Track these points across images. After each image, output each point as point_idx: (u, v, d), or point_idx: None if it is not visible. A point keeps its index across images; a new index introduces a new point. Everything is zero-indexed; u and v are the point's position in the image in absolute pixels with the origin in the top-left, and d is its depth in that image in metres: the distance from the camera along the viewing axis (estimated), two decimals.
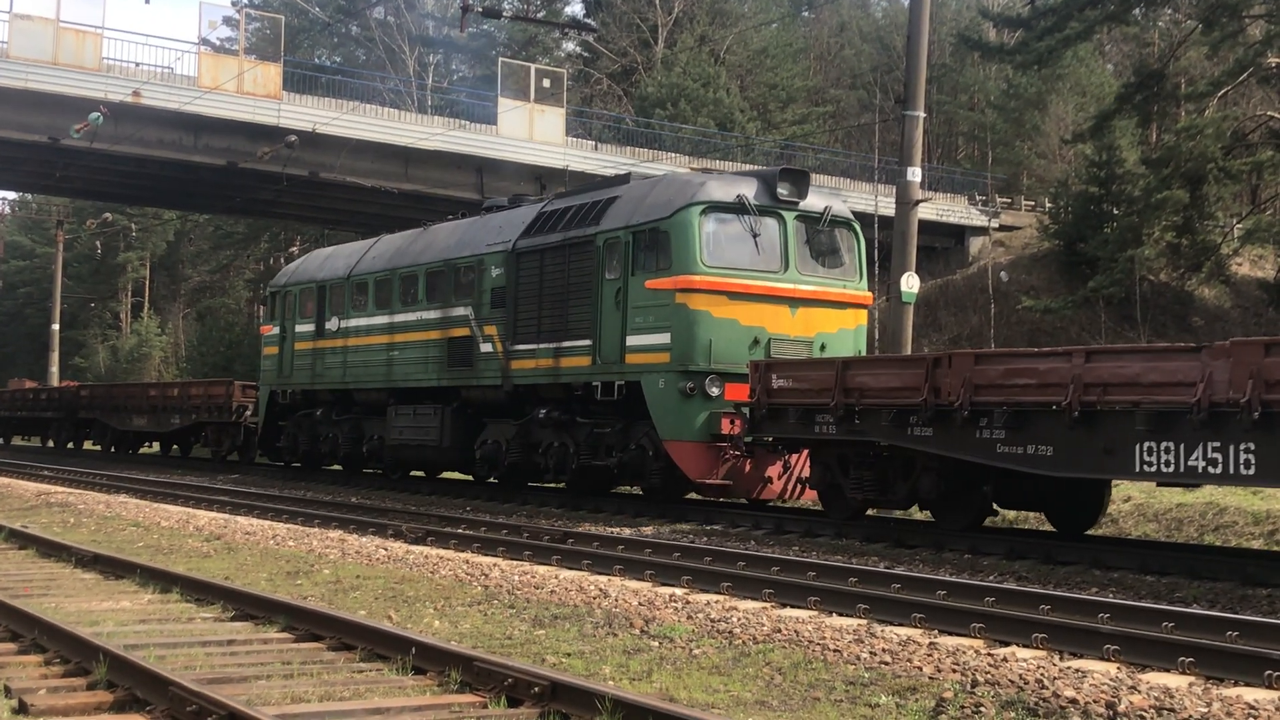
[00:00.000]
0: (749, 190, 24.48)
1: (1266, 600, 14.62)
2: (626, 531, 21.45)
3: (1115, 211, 58.06)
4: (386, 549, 19.13)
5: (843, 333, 25.21)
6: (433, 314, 30.40)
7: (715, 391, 24.08)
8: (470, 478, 32.78)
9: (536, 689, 8.86)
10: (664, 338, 24.42)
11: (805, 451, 24.00)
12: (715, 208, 24.48)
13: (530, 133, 55.02)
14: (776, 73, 78.35)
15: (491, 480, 30.62)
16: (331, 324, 33.93)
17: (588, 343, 25.95)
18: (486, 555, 18.64)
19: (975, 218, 66.97)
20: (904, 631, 12.25)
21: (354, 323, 33.36)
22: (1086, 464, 18.34)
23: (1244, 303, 62.04)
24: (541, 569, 17.00)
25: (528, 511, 25.85)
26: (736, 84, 75.16)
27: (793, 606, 13.91)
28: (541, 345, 27.12)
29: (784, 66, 79.26)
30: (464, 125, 54.81)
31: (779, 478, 24.51)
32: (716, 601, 14.08)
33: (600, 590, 14.87)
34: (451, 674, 9.61)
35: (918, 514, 23.69)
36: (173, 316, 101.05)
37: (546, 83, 56.00)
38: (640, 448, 25.00)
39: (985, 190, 66.99)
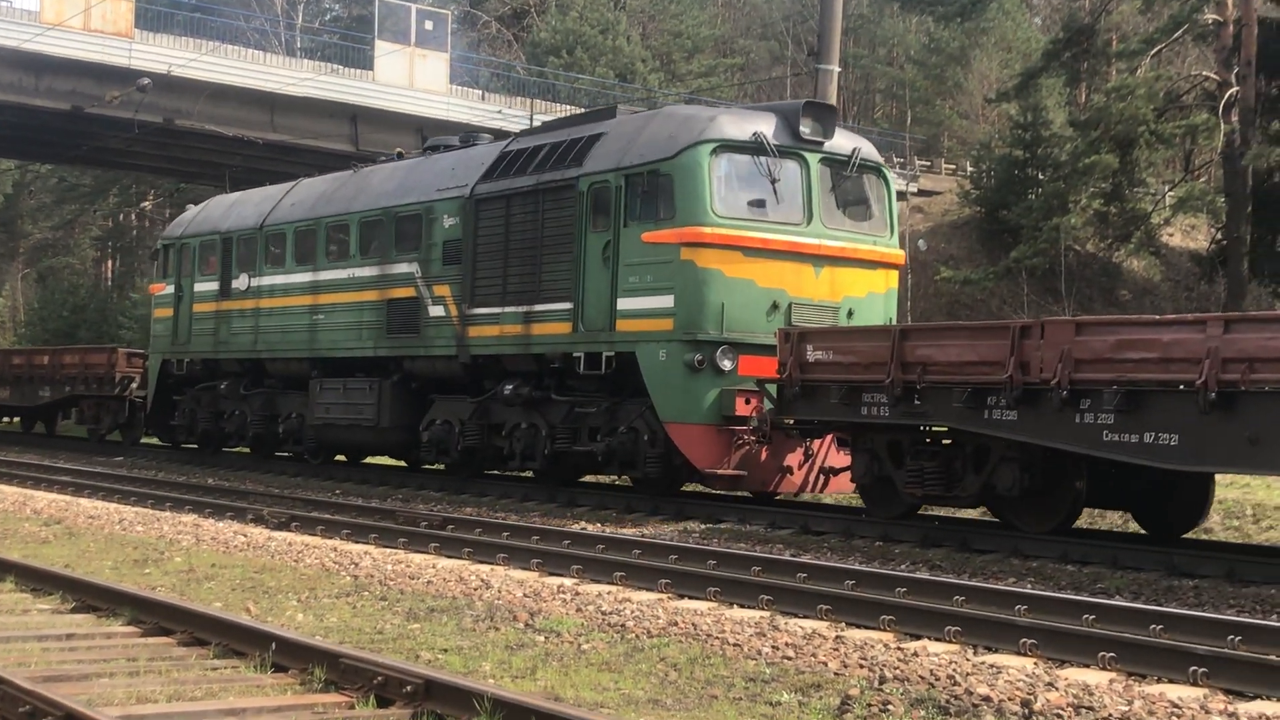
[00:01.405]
0: (767, 127, 21.64)
1: (1192, 592, 14.54)
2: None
3: (1040, 177, 56.35)
4: (246, 535, 18.62)
5: (872, 297, 22.56)
6: (368, 271, 27.27)
7: (728, 365, 21.38)
8: (408, 464, 28.60)
9: (409, 688, 8.59)
10: (666, 301, 21.63)
11: (830, 437, 21.47)
12: (728, 147, 21.72)
13: (410, 80, 52.73)
14: (681, 20, 75.12)
15: (438, 467, 26.96)
16: (240, 282, 30.19)
17: (567, 306, 23.01)
18: (357, 543, 18.09)
19: (893, 182, 63.88)
20: (809, 624, 12.13)
21: (268, 281, 29.92)
22: (1222, 456, 16.14)
23: (1174, 275, 60.11)
24: (418, 557, 16.62)
25: (404, 495, 24.86)
26: (638, 31, 71.88)
27: (691, 598, 13.61)
28: (508, 309, 24.14)
29: (690, 14, 76.08)
30: (337, 70, 52.40)
31: (799, 467, 21.75)
32: (609, 593, 13.84)
33: (482, 581, 14.63)
34: (315, 672, 9.28)
35: (968, 514, 21.08)
36: (10, 277, 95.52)
37: (429, 25, 53.11)
38: (633, 431, 22.20)
39: (904, 152, 64.11)
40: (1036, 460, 18.00)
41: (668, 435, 21.46)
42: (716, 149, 21.56)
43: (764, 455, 21.45)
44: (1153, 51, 56.43)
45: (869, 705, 9.14)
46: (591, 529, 19.39)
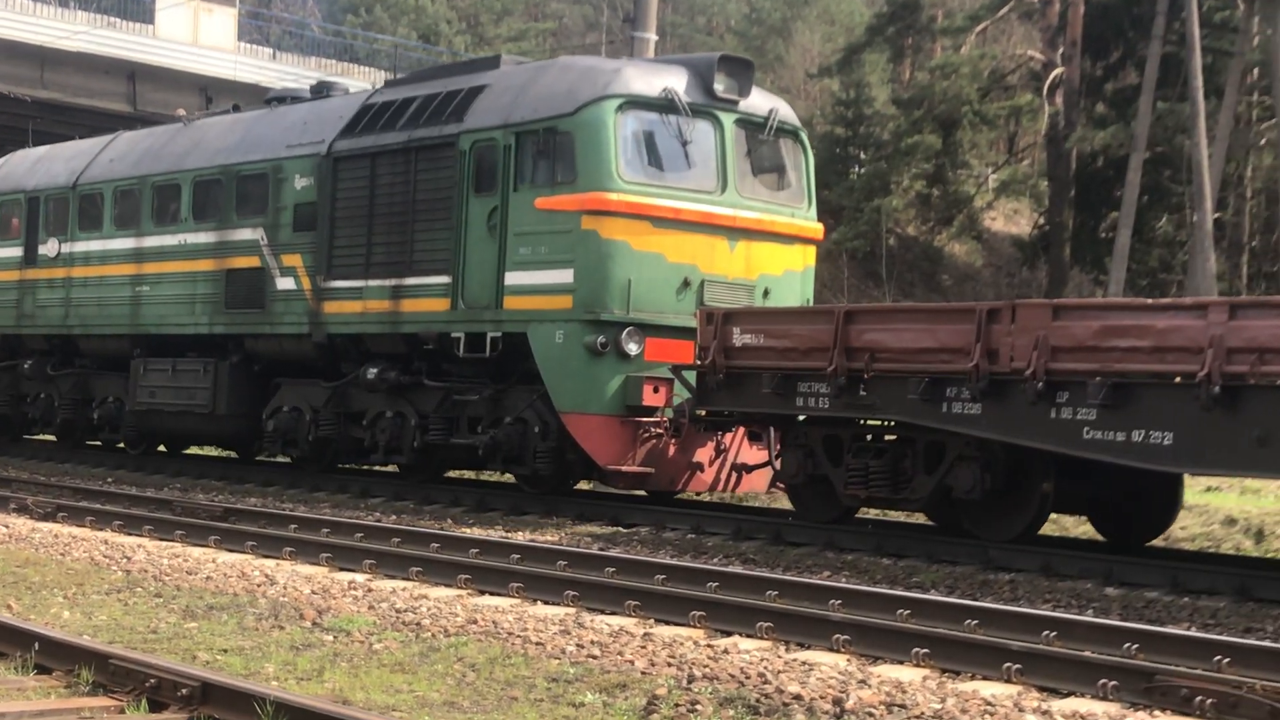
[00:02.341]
0: (678, 83, 20.16)
1: (1008, 586, 14.62)
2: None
3: (863, 156, 54.78)
4: (8, 526, 17.89)
5: (789, 276, 21.00)
6: (204, 237, 25.04)
7: (634, 349, 19.72)
8: (241, 456, 26.17)
9: (185, 691, 8.28)
10: (564, 275, 19.86)
11: (742, 431, 19.89)
12: (635, 103, 20.04)
13: (195, 36, 50.64)
14: None
15: (284, 460, 25.09)
16: (48, 248, 27.62)
17: (444, 280, 21.11)
18: (130, 535, 17.45)
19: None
20: (616, 621, 12.01)
21: (83, 247, 27.49)
22: (1224, 457, 14.96)
23: (996, 260, 59.66)
24: (196, 551, 16.15)
25: (181, 485, 23.78)
26: None
27: (492, 594, 13.35)
28: (372, 282, 22.17)
29: None
30: (113, 24, 49.98)
31: (710, 463, 20.14)
32: (403, 589, 13.56)
33: (266, 576, 14.27)
34: (82, 673, 8.93)
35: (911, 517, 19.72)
36: None
37: None
38: (521, 422, 20.42)
39: None
40: (999, 460, 16.65)
41: (562, 427, 19.78)
42: (623, 105, 19.87)
43: (672, 450, 19.84)
44: (978, 28, 56.06)
45: (676, 705, 9.07)
46: (387, 521, 18.44)
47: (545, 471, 20.29)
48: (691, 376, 18.95)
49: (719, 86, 20.25)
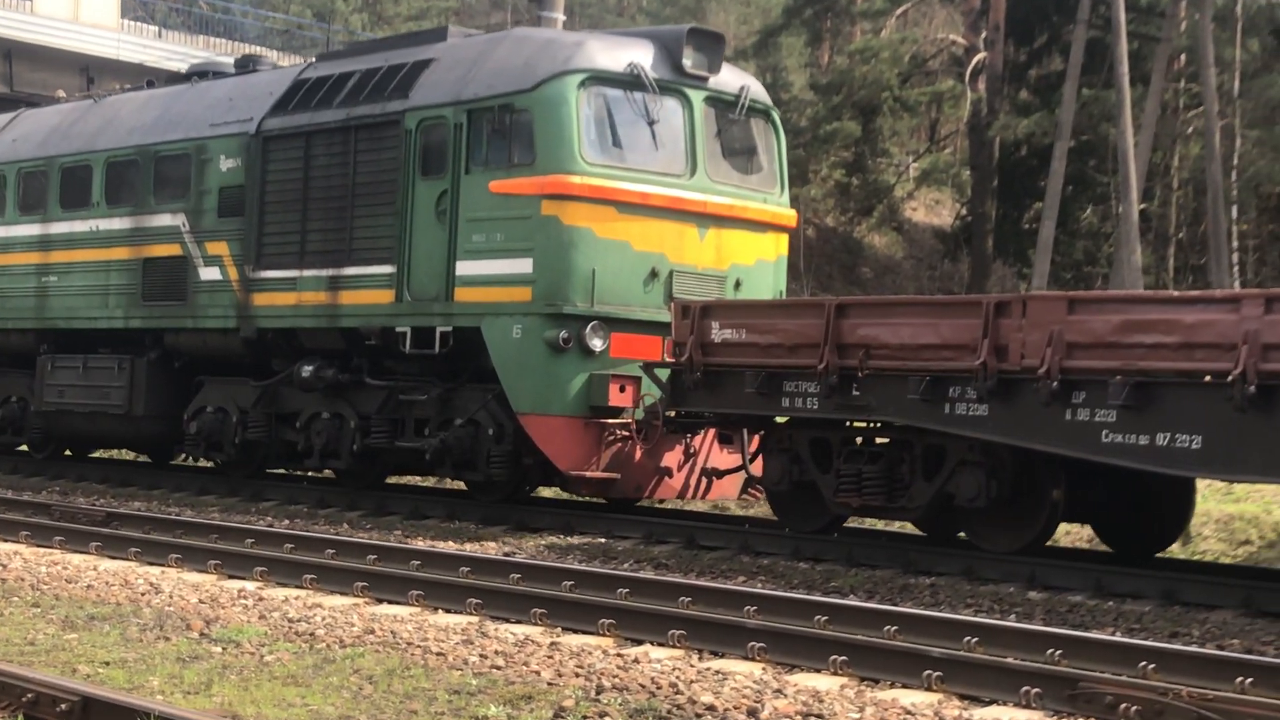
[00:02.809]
0: (644, 57, 19.11)
1: (929, 590, 14.47)
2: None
3: None
4: None
5: (762, 266, 19.91)
6: (118, 224, 23.60)
7: (599, 345, 18.62)
8: (155, 461, 24.62)
9: (64, 705, 8.10)
10: (522, 265, 18.72)
11: (712, 433, 18.94)
12: (599, 79, 18.90)
13: (75, 13, 48.40)
14: None
15: (209, 465, 23.79)
16: None
17: (388, 270, 19.90)
18: (6, 541, 16.92)
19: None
20: (522, 630, 11.79)
21: None
22: (1260, 463, 14.03)
23: (918, 252, 58.97)
24: (77, 558, 15.65)
25: (61, 488, 22.89)
26: None
27: (391, 602, 13.03)
28: (308, 272, 20.90)
29: None
30: None
31: (679, 468, 19.04)
32: (297, 597, 13.26)
33: (151, 585, 13.92)
34: None
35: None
36: None
37: None
38: (473, 423, 19.24)
39: None
40: (1006, 465, 15.68)
41: (519, 429, 18.63)
42: (586, 81, 18.70)
43: (639, 454, 18.71)
44: (899, 11, 55.39)
45: (584, 717, 8.99)
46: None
47: (500, 477, 19.14)
48: (663, 374, 17.89)
49: (687, 62, 19.16)
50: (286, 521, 18.85)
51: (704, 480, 19.10)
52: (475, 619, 12.31)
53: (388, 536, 17.60)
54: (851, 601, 13.02)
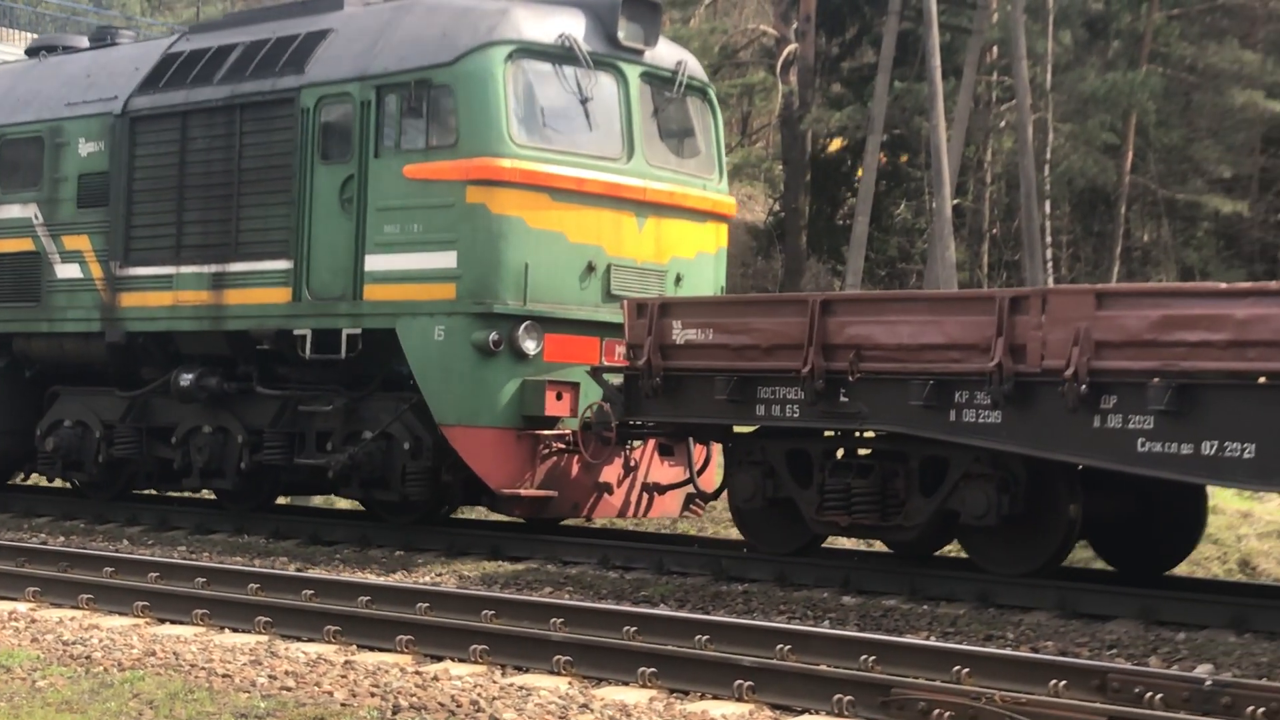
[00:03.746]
0: (575, 27, 17.43)
1: (742, 598, 14.22)
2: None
3: None
4: None
5: (702, 259, 18.27)
6: None
7: (533, 348, 16.86)
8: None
9: None
10: (444, 259, 16.91)
11: (652, 444, 17.42)
12: (527, 52, 17.09)
13: None
14: None
15: (69, 486, 21.66)
16: None
17: (283, 266, 17.95)
18: None
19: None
20: (314, 649, 11.39)
21: None
22: None
23: (730, 249, 56.56)
24: None
25: None
26: None
27: (174, 622, 12.50)
28: (186, 269, 18.81)
29: None
30: None
31: (619, 483, 17.34)
32: (72, 619, 12.67)
33: None
34: None
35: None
36: None
37: None
38: (386, 437, 17.36)
39: None
40: (1019, 478, 14.21)
41: (440, 443, 16.90)
42: (513, 54, 16.89)
43: (575, 469, 16.99)
44: (708, 1, 53.30)
45: None
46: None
47: (417, 496, 17.30)
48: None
49: (622, 33, 17.50)
50: (61, 539, 18.04)
51: (645, 496, 17.46)
52: (264, 638, 11.89)
53: (171, 552, 16.84)
54: (661, 611, 12.86)
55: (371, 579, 14.51)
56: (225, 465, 18.65)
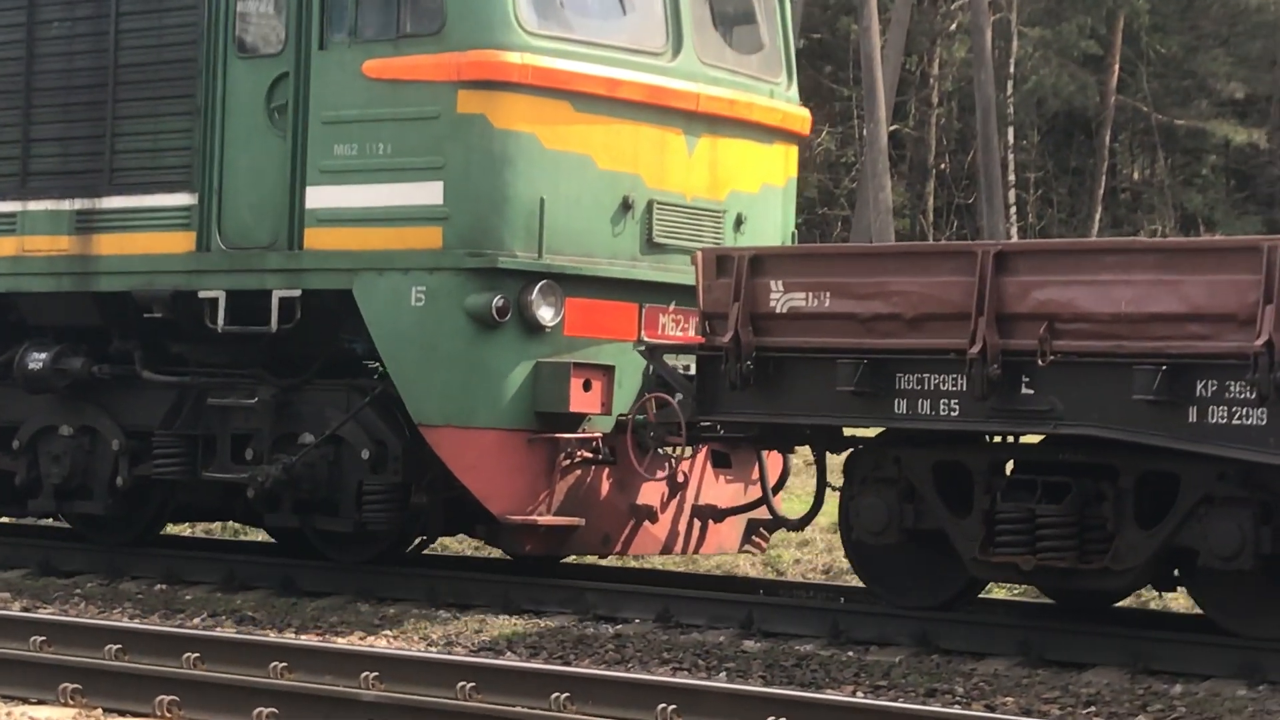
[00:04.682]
0: None
1: (613, 643, 13.38)
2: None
3: None
4: None
5: (767, 195, 16.33)
6: None
7: (550, 317, 14.80)
8: None
9: None
10: (425, 192, 14.95)
11: (704, 453, 15.55)
12: None
13: None
14: None
15: None
16: None
17: (183, 201, 16.01)
18: None
19: None
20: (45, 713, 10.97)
21: None
22: None
23: None
24: None
25: None
26: None
27: None
28: (34, 205, 16.92)
29: None
30: None
31: (663, 506, 15.32)
32: None
33: None
34: None
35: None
36: None
37: None
38: (336, 442, 15.34)
39: None
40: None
41: (413, 452, 15.01)
42: None
43: (606, 487, 15.06)
44: None
45: None
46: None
47: (380, 525, 15.15)
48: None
49: None
50: None
51: (697, 524, 15.46)
52: None
53: None
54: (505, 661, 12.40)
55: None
56: (92, 481, 16.62)
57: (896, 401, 13.14)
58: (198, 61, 15.76)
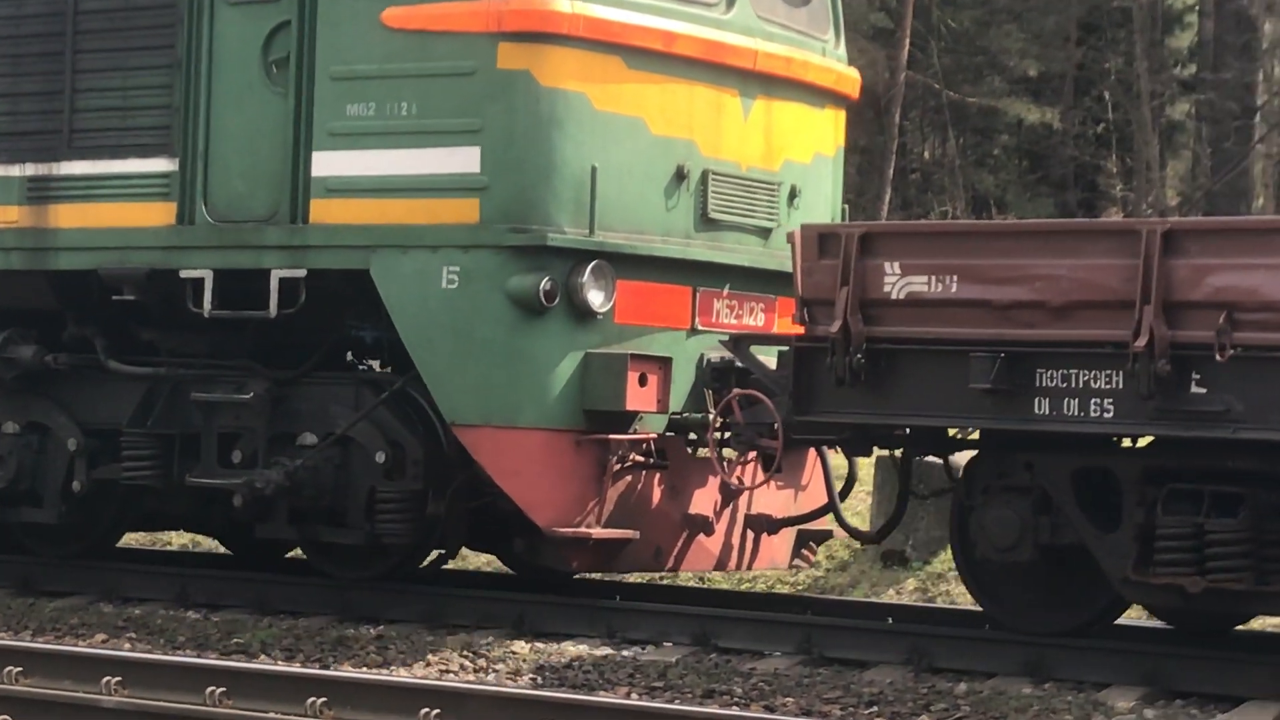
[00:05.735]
0: None
1: (375, 644, 12.27)
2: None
3: None
4: None
5: (819, 165, 13.89)
6: None
7: (601, 302, 12.34)
8: None
9: None
10: (459, 159, 12.34)
11: (753, 459, 12.92)
12: None
13: None
14: None
15: None
16: None
17: (161, 166, 13.27)
18: None
19: None
20: None
21: None
22: None
23: None
24: None
25: None
26: None
27: None
28: None
29: None
30: None
31: (716, 514, 12.94)
32: None
33: None
34: None
35: None
36: None
37: None
38: (344, 444, 12.78)
39: None
40: None
41: (434, 455, 12.57)
42: None
43: (658, 495, 12.66)
44: None
45: None
46: None
47: (395, 538, 12.63)
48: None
49: None
50: None
51: (750, 536, 13.12)
52: None
53: None
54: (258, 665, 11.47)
55: None
56: (42, 486, 13.82)
57: (1037, 401, 10.85)
58: (178, 7, 13.03)
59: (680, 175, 12.57)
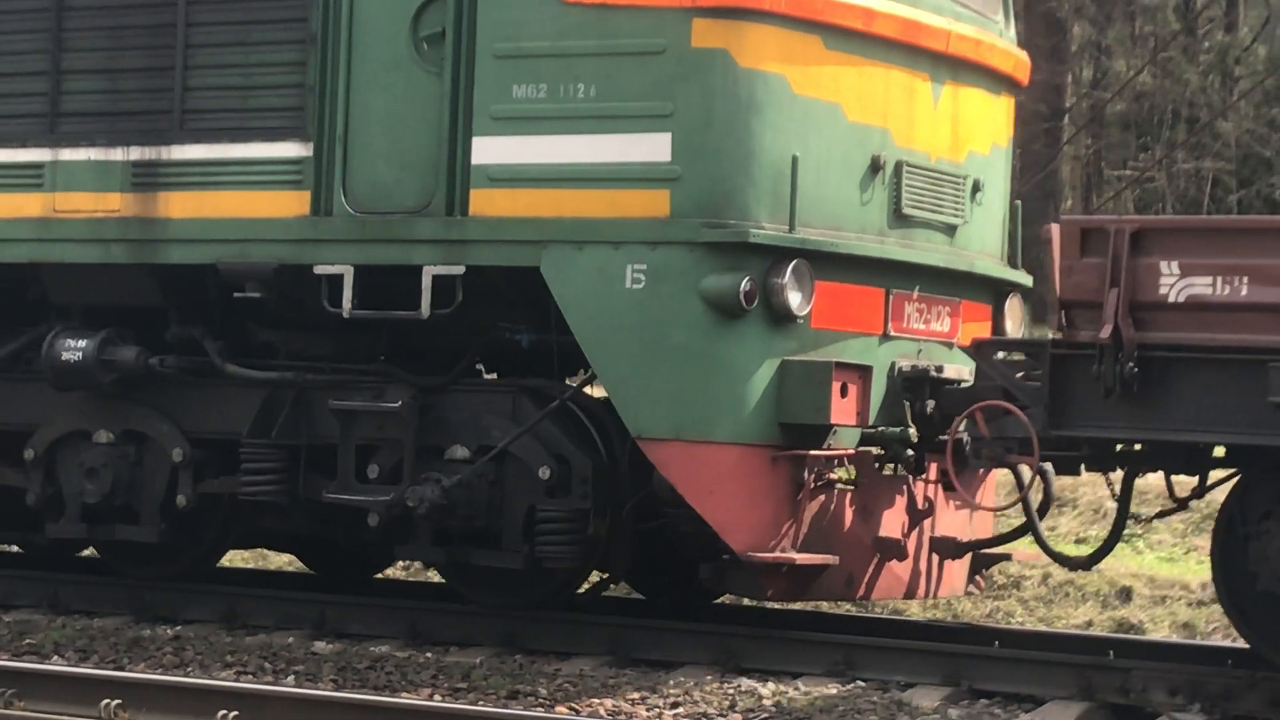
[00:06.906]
0: None
1: (172, 645, 11.79)
2: None
3: None
4: None
5: (995, 157, 12.27)
6: None
7: (801, 304, 10.58)
8: None
9: None
10: (646, 147, 10.62)
11: (934, 472, 11.51)
12: None
13: None
14: None
15: None
16: None
17: (291, 152, 11.42)
18: None
19: None
20: None
21: None
22: None
23: None
24: None
25: None
26: None
27: None
28: (68, 154, 12.01)
29: None
30: None
31: (905, 535, 11.29)
32: None
33: None
34: None
35: None
36: None
37: None
38: (503, 459, 11.01)
39: None
40: None
41: (605, 472, 10.97)
42: None
43: (849, 517, 10.97)
44: None
45: None
46: None
47: (563, 561, 10.97)
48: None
49: None
50: None
51: (938, 559, 11.44)
52: None
53: None
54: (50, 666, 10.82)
55: None
56: (139, 501, 11.92)
57: None
58: None
59: (875, 167, 10.91)
